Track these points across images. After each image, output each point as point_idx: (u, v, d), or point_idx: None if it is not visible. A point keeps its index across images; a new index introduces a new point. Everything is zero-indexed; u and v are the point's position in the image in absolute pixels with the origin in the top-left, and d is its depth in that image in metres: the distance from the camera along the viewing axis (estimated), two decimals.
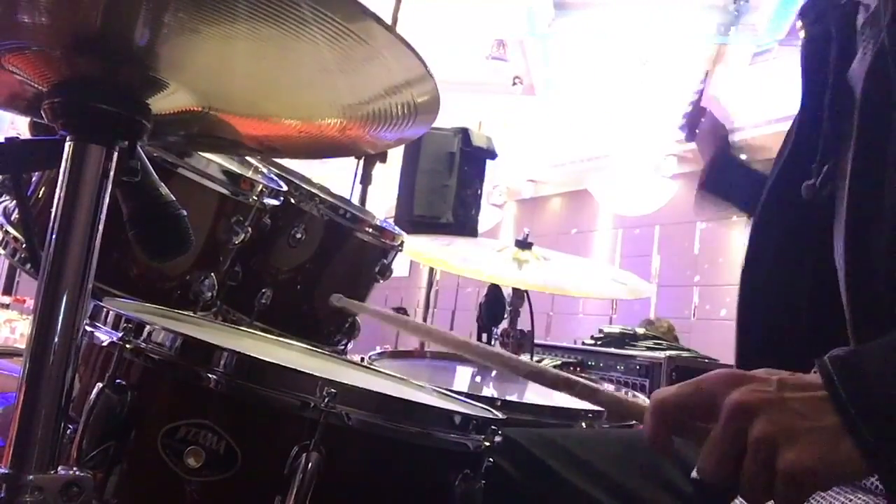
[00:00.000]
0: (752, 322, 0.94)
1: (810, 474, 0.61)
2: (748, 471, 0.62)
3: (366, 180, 3.00)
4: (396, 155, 3.74)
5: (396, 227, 1.77)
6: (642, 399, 0.94)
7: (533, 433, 1.04)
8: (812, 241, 0.87)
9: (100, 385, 0.89)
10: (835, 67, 0.87)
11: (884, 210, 0.74)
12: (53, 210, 0.72)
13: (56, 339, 0.71)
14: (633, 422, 1.51)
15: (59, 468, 0.72)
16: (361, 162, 3.03)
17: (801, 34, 0.95)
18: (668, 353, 3.51)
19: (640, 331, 3.93)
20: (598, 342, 3.93)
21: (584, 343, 4.05)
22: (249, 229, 1.43)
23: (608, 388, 1.73)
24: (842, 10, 0.87)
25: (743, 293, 0.95)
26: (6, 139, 0.86)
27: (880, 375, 0.62)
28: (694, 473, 0.92)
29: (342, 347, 1.73)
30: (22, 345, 3.04)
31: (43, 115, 0.74)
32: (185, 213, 0.87)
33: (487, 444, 0.96)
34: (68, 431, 0.84)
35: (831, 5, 0.89)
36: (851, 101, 0.84)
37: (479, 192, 3.86)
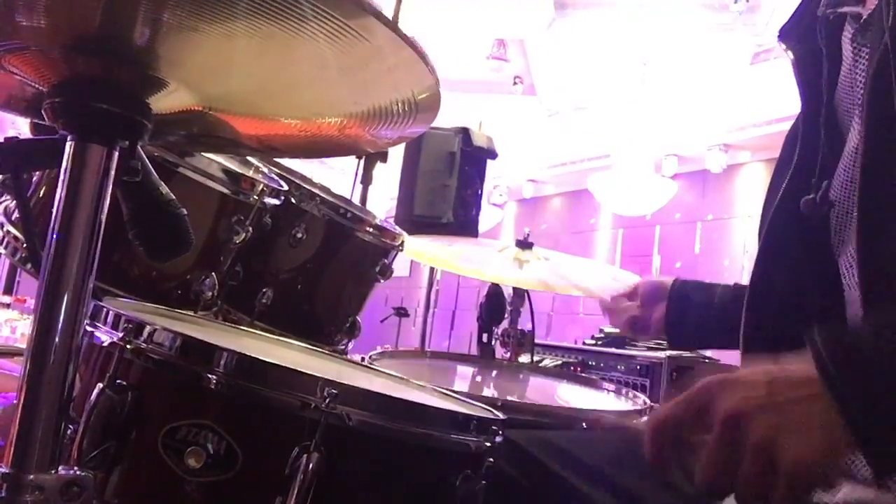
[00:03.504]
0: (759, 342, 0.93)
1: (814, 469, 0.60)
2: (747, 476, 0.62)
3: (366, 180, 2.99)
4: (397, 155, 3.74)
5: (397, 227, 1.77)
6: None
7: (533, 435, 1.04)
8: (823, 255, 0.87)
9: (100, 385, 0.89)
10: (827, 84, 0.86)
11: None
12: (54, 210, 0.72)
13: (57, 339, 0.71)
14: (633, 422, 1.51)
15: (60, 468, 0.72)
16: (362, 162, 3.03)
17: (789, 55, 0.95)
18: (669, 353, 3.50)
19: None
20: (599, 342, 3.93)
21: (584, 343, 4.04)
22: (250, 229, 1.43)
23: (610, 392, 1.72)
24: (829, 24, 0.87)
25: (750, 309, 0.94)
26: (6, 139, 0.86)
27: (874, 361, 0.61)
28: None
29: (343, 347, 1.73)
30: (22, 345, 3.04)
31: (43, 115, 0.74)
32: (185, 212, 0.87)
33: (488, 444, 0.96)
34: (69, 431, 0.84)
35: (819, 21, 0.88)
36: (839, 116, 0.84)
37: (480, 191, 3.86)
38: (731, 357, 0.94)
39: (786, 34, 0.96)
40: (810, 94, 0.91)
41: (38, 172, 1.31)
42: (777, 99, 5.45)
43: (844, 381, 0.61)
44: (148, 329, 0.92)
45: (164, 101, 0.76)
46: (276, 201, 1.47)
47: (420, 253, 2.05)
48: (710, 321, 1.22)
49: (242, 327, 1.42)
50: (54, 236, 0.72)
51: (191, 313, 1.32)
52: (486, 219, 5.17)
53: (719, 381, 0.66)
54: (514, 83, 7.41)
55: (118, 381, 0.89)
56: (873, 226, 0.76)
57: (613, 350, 3.71)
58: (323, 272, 1.65)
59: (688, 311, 1.29)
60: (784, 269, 0.92)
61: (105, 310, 0.98)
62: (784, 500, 0.61)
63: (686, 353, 3.57)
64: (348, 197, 2.32)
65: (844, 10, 0.84)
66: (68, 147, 0.73)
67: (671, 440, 0.68)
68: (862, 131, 0.78)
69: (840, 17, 0.86)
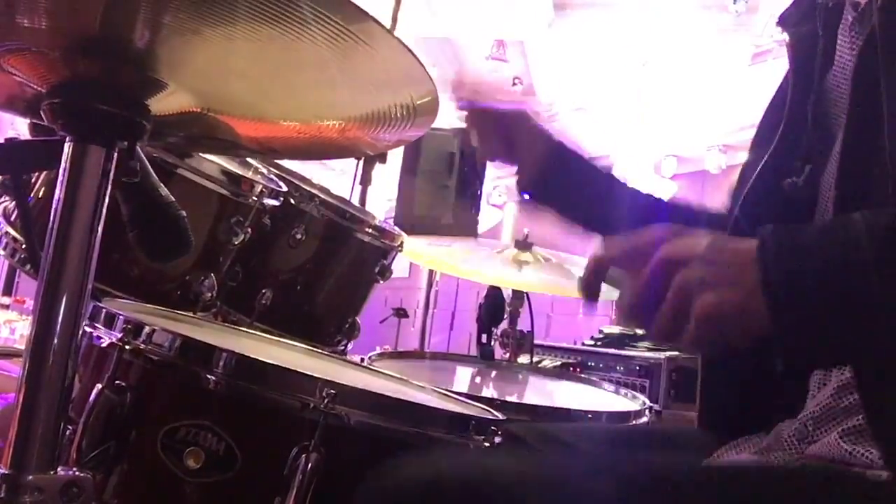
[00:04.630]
0: None
1: (719, 318, 0.63)
2: (664, 312, 0.65)
3: (365, 181, 2.99)
4: (396, 155, 3.73)
5: (396, 228, 1.77)
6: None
7: (532, 426, 1.04)
8: None
9: (99, 386, 0.89)
10: (820, 68, 0.87)
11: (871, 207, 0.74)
12: (53, 211, 0.72)
13: (56, 340, 0.71)
14: (633, 422, 1.51)
15: (59, 469, 0.72)
16: (361, 162, 3.02)
17: (785, 37, 0.96)
18: (668, 353, 3.50)
19: (640, 331, 3.92)
20: (598, 343, 3.92)
21: (584, 343, 4.04)
22: (249, 230, 1.43)
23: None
24: (829, 11, 0.88)
25: None
26: (6, 139, 0.86)
27: (813, 248, 0.63)
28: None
29: (342, 348, 1.73)
30: (22, 345, 3.04)
31: (43, 116, 0.74)
32: (184, 213, 0.87)
33: (487, 444, 0.96)
34: (68, 432, 0.84)
35: (819, 7, 0.89)
36: (830, 102, 0.84)
37: (480, 192, 3.85)
38: None
39: (785, 19, 0.98)
40: (801, 76, 0.92)
41: (36, 173, 1.31)
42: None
43: (778, 260, 0.63)
44: (147, 330, 0.92)
45: (164, 103, 0.76)
46: (275, 202, 1.47)
47: (419, 254, 2.05)
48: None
49: (242, 328, 1.42)
50: (53, 237, 0.72)
51: (190, 314, 1.32)
52: (485, 219, 5.16)
53: (669, 227, 0.70)
54: (514, 84, 7.40)
55: (117, 381, 0.89)
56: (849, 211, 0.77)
57: (613, 351, 3.70)
58: (322, 273, 1.65)
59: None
60: None
61: (104, 310, 0.98)
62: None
63: (685, 354, 3.57)
64: (347, 198, 2.32)
65: None
66: (67, 148, 0.73)
67: (605, 270, 0.72)
68: (846, 118, 0.78)
69: (839, 5, 0.86)
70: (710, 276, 0.64)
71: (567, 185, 1.25)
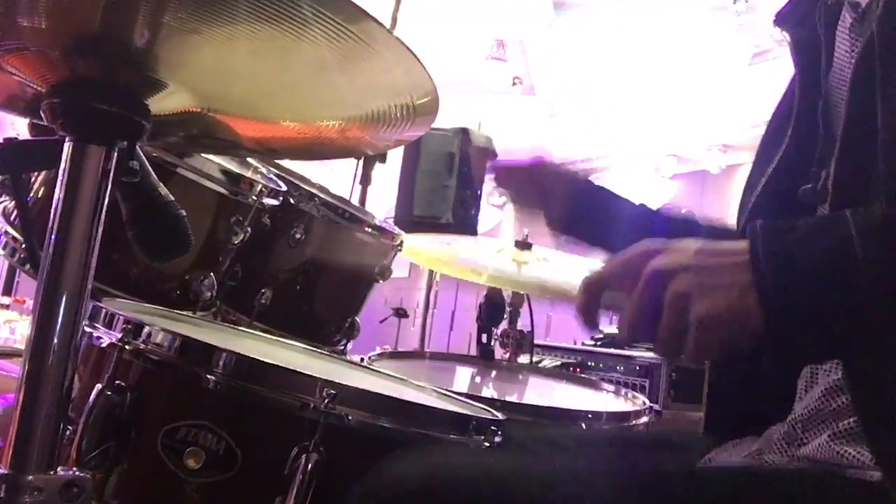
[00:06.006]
0: None
1: (718, 323, 0.63)
2: (664, 325, 0.65)
3: (365, 180, 2.99)
4: (396, 155, 3.73)
5: (396, 228, 1.77)
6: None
7: (531, 431, 1.04)
8: None
9: (99, 386, 0.89)
10: (826, 71, 0.86)
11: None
12: (53, 210, 0.72)
13: (56, 340, 0.71)
14: (633, 422, 1.51)
15: (59, 469, 0.72)
16: (361, 162, 3.02)
17: (786, 37, 0.95)
18: None
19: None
20: (598, 342, 3.92)
21: (584, 343, 4.03)
22: (249, 229, 1.43)
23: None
24: (829, 11, 0.87)
25: None
26: (6, 139, 0.86)
27: (802, 243, 0.64)
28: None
29: (342, 348, 1.73)
30: (22, 345, 3.03)
31: (42, 115, 0.74)
32: (184, 213, 0.87)
33: (487, 444, 0.96)
34: (68, 432, 0.84)
35: (818, 7, 0.88)
36: (831, 105, 0.84)
37: (479, 192, 3.85)
38: None
39: (782, 18, 0.96)
40: (807, 80, 0.91)
41: (36, 173, 1.31)
42: (776, 99, 5.43)
43: (768, 256, 0.63)
44: (147, 330, 0.92)
45: (164, 103, 0.76)
46: (274, 202, 1.47)
47: (418, 253, 2.05)
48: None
49: (241, 328, 1.42)
50: (53, 237, 0.72)
51: (189, 314, 1.32)
52: (485, 219, 5.16)
53: (652, 243, 0.70)
54: (514, 83, 7.40)
55: (117, 381, 0.89)
56: None
57: (613, 351, 3.70)
58: (322, 273, 1.65)
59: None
60: None
61: (104, 310, 0.98)
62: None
63: (693, 366, 3.56)
64: (347, 197, 2.32)
65: None
66: (67, 147, 0.73)
67: (600, 294, 0.72)
68: (843, 123, 0.78)
69: (838, 5, 0.86)
70: (703, 281, 0.64)
71: (591, 217, 1.28)
